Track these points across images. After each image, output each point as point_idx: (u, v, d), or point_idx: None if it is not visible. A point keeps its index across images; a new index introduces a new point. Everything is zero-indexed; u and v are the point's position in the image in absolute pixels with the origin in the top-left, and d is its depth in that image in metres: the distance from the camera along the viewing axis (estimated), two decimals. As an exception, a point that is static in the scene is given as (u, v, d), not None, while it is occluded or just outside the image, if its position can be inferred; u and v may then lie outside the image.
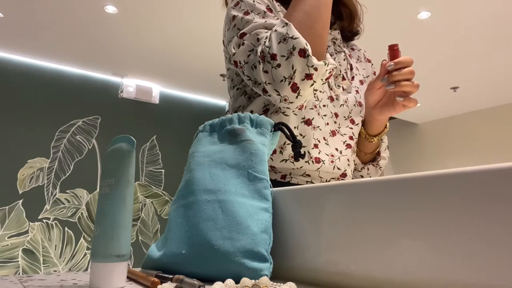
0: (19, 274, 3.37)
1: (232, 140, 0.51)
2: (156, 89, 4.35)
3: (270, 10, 0.74)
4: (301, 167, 0.75)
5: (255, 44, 0.66)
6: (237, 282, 0.38)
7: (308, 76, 0.62)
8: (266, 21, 0.69)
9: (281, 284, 0.36)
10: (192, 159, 0.51)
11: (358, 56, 0.93)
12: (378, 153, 0.91)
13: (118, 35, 3.23)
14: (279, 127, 0.53)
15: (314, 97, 0.77)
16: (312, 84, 0.64)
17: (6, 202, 3.49)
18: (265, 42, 0.63)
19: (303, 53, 0.61)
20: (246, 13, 0.71)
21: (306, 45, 0.61)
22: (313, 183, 0.76)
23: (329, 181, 0.78)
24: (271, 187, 0.48)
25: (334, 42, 0.86)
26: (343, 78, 0.84)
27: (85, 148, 3.93)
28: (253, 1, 0.73)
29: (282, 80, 0.62)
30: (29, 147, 3.65)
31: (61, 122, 3.84)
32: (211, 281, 0.37)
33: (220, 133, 0.53)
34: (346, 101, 0.82)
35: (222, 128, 0.53)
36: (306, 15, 0.65)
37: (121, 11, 2.87)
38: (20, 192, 3.56)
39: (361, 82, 0.89)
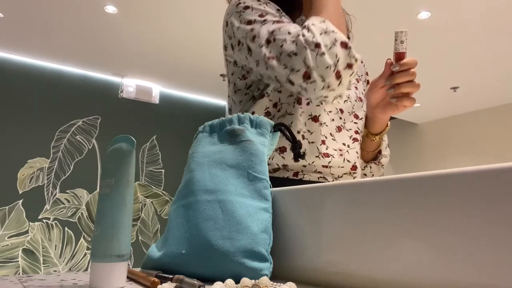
0: (19, 274, 3.37)
1: (232, 140, 0.51)
2: (156, 89, 4.35)
3: (280, 12, 0.76)
4: (312, 163, 0.75)
5: (289, 37, 0.67)
6: (237, 282, 0.38)
7: (349, 66, 0.65)
8: (290, 21, 0.72)
9: (281, 284, 0.36)
10: (192, 159, 0.51)
11: None
12: (379, 152, 0.93)
13: (118, 35, 3.23)
14: (278, 127, 0.53)
15: None
16: (351, 74, 0.66)
17: (6, 202, 3.49)
18: (304, 33, 0.65)
19: (344, 45, 0.64)
20: (261, 15, 0.72)
21: (346, 39, 0.65)
22: (326, 179, 0.77)
23: (341, 176, 0.78)
24: (271, 187, 0.48)
25: None
26: None
27: (85, 148, 3.93)
28: (264, 7, 0.74)
29: (327, 67, 0.63)
30: (29, 147, 3.65)
31: (61, 122, 3.84)
32: (211, 281, 0.37)
33: (220, 133, 0.53)
34: (348, 97, 0.84)
35: (222, 129, 0.53)
36: (333, 17, 0.69)
37: (121, 11, 2.87)
38: (20, 192, 3.56)
39: (357, 80, 0.91)
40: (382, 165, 0.93)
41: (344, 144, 0.79)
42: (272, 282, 0.39)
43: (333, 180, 0.77)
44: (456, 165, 5.02)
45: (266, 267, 0.42)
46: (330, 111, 0.79)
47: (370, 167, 0.92)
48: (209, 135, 0.54)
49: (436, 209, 0.32)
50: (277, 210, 0.47)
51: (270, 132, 0.53)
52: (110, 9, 2.84)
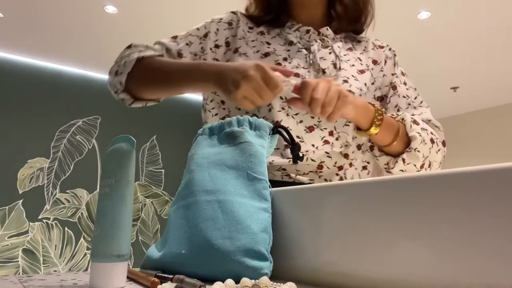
0: (19, 274, 3.37)
1: (231, 142, 0.51)
2: (156, 89, 4.34)
3: (205, 36, 0.89)
4: (272, 161, 0.75)
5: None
6: (237, 281, 0.38)
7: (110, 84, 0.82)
8: (169, 42, 0.86)
9: (281, 284, 0.36)
10: (192, 161, 0.51)
11: (365, 47, 0.92)
12: (407, 135, 0.76)
13: (118, 35, 3.23)
14: (277, 130, 0.53)
15: (281, 98, 0.77)
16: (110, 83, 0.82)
17: (6, 202, 3.49)
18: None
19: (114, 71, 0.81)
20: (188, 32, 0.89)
21: (121, 66, 0.78)
22: (289, 176, 0.76)
23: (306, 173, 0.77)
24: (270, 188, 0.48)
25: (323, 40, 0.87)
26: (324, 72, 0.82)
27: (85, 148, 3.93)
28: (201, 26, 0.92)
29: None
30: (29, 147, 3.65)
31: (61, 122, 3.84)
32: (211, 281, 0.37)
33: (219, 136, 0.53)
34: None
35: (221, 131, 0.53)
36: (153, 70, 0.78)
37: (121, 11, 2.87)
38: (20, 192, 3.56)
39: (362, 72, 0.86)
40: (415, 148, 0.75)
41: (313, 146, 0.77)
42: (272, 282, 0.39)
43: (296, 176, 0.77)
44: (456, 165, 5.01)
45: (266, 266, 0.42)
46: (296, 114, 0.77)
47: (403, 160, 0.76)
48: (209, 137, 0.54)
49: (436, 209, 0.32)
50: (276, 210, 0.47)
51: (269, 134, 0.53)
52: (110, 9, 2.84)
